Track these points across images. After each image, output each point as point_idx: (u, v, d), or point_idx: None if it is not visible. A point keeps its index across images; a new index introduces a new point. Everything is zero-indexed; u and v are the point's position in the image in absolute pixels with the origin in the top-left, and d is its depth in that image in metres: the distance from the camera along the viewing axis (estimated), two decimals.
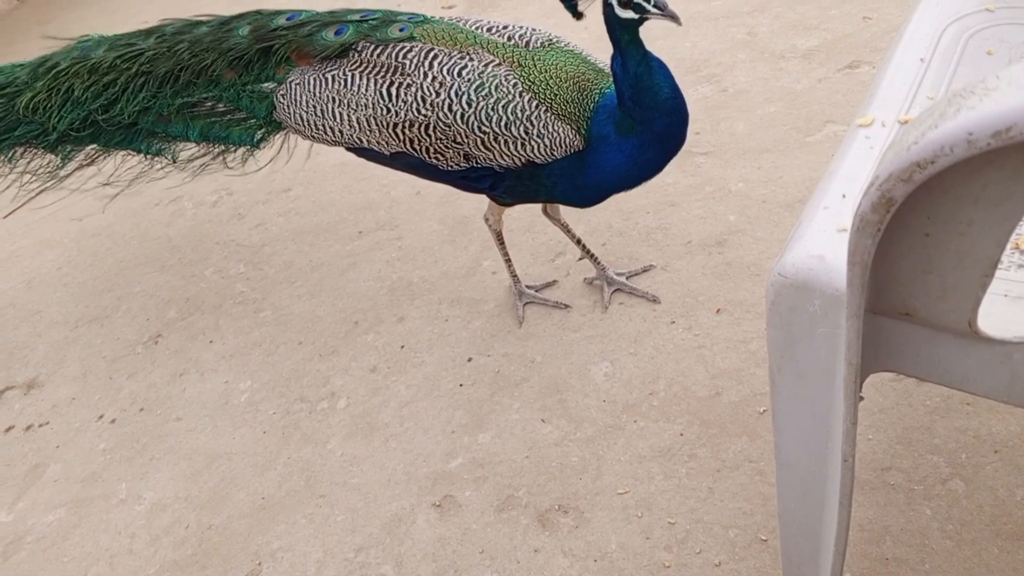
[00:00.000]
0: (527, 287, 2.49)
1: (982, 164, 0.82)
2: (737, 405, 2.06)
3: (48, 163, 2.62)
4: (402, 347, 2.52)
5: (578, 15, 1.84)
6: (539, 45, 2.01)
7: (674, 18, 1.74)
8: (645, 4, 1.74)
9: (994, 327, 1.06)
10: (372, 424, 2.30)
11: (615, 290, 2.44)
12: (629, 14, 1.76)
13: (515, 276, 2.47)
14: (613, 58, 1.84)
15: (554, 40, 2.03)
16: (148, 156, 2.53)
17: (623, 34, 1.80)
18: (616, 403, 2.15)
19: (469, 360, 2.40)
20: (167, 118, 2.39)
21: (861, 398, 1.21)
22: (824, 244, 1.21)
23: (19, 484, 2.41)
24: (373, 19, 2.15)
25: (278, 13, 2.32)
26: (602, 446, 2.06)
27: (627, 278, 2.45)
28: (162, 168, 2.56)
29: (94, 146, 2.54)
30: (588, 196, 2.05)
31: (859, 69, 3.03)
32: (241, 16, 2.36)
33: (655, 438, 2.04)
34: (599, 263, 2.45)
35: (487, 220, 2.35)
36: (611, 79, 1.95)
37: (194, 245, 3.20)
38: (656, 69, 1.84)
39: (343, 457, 2.24)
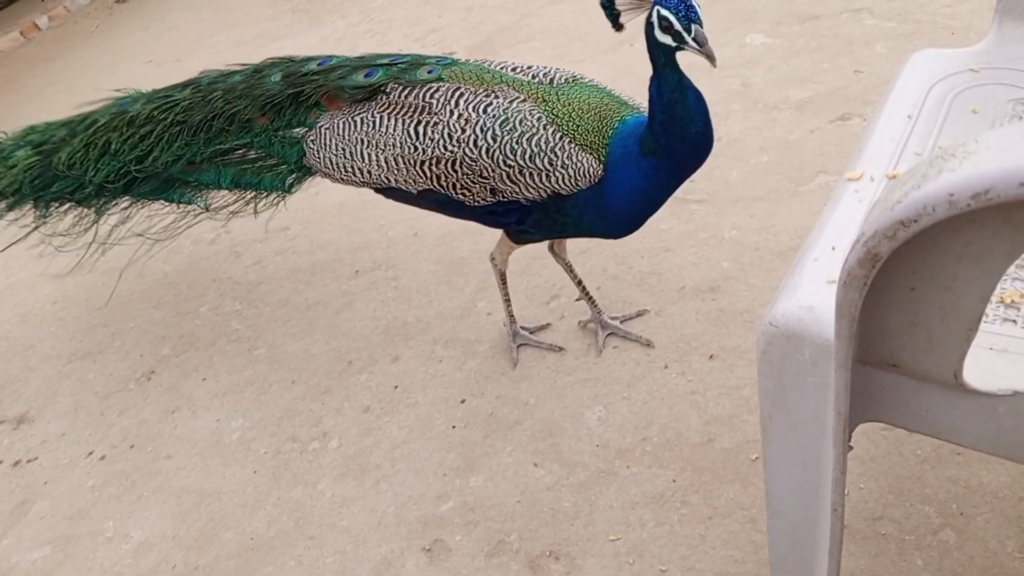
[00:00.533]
0: (522, 328, 2.50)
1: (964, 223, 0.84)
2: (730, 452, 2.06)
3: (83, 218, 2.68)
4: (396, 387, 2.52)
5: (619, 26, 1.85)
6: (563, 81, 2.04)
7: (710, 57, 1.72)
8: (684, 35, 1.72)
9: (980, 380, 1.08)
10: (363, 465, 2.30)
11: (609, 333, 2.46)
12: (667, 40, 1.76)
13: (512, 317, 2.48)
14: (651, 79, 1.85)
15: (578, 77, 2.07)
16: (180, 205, 2.58)
17: (660, 56, 1.80)
18: (609, 448, 2.15)
19: (463, 402, 2.41)
20: (199, 166, 2.45)
21: (850, 448, 1.23)
22: (814, 295, 1.24)
23: (4, 520, 2.39)
24: (402, 62, 2.21)
25: (310, 59, 2.38)
26: (595, 491, 2.05)
27: (621, 322, 2.47)
28: (196, 216, 2.61)
29: (127, 198, 2.60)
30: (616, 224, 2.04)
31: (850, 121, 3.09)
32: (274, 63, 2.43)
33: (648, 484, 2.04)
34: (595, 306, 2.47)
35: (493, 259, 2.36)
36: (633, 109, 1.99)
37: (190, 282, 3.21)
38: (692, 100, 1.83)
39: (333, 498, 2.23)
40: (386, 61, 2.22)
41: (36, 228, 2.71)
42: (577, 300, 2.57)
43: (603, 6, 1.84)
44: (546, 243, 2.40)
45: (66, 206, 2.67)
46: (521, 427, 2.28)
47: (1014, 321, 1.22)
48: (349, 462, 2.32)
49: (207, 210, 2.58)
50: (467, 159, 2.00)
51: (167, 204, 2.61)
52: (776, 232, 2.69)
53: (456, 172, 2.04)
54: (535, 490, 2.10)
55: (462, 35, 4.66)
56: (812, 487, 1.30)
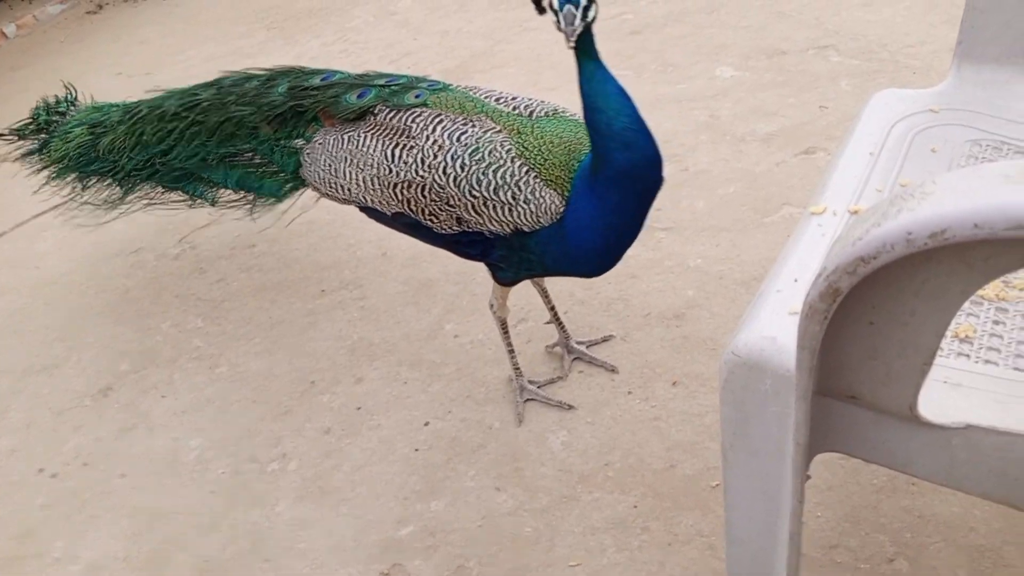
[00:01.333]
0: (529, 382, 2.41)
1: (921, 260, 0.87)
2: (691, 478, 2.08)
3: (111, 193, 2.86)
4: (358, 409, 2.50)
5: (541, 9, 1.74)
6: (543, 114, 2.02)
7: (566, 37, 1.66)
8: (556, 14, 1.65)
9: (934, 412, 1.10)
10: (323, 488, 2.27)
11: (575, 358, 2.46)
12: (553, 17, 1.68)
13: (518, 369, 2.39)
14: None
15: (559, 110, 2.05)
16: (193, 197, 2.73)
17: (579, 45, 1.71)
18: (572, 473, 2.15)
19: (426, 424, 2.39)
20: (211, 164, 2.56)
21: (808, 477, 1.24)
22: (776, 326, 1.26)
23: None
24: (396, 84, 2.23)
25: (316, 73, 2.44)
26: (556, 516, 2.05)
27: (587, 347, 2.48)
28: (201, 207, 2.79)
29: (151, 183, 2.76)
30: (583, 260, 1.97)
31: (815, 155, 3.16)
32: (286, 72, 2.50)
33: (609, 510, 2.04)
34: (564, 330, 2.47)
35: (491, 306, 2.31)
36: None
37: (152, 297, 3.16)
38: (611, 93, 1.76)
39: (291, 521, 2.19)
40: (382, 82, 2.25)
41: (72, 197, 2.92)
42: (547, 323, 2.57)
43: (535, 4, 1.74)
44: None
45: (103, 182, 2.86)
46: (485, 451, 2.27)
47: (967, 355, 1.25)
48: (308, 484, 2.29)
49: (213, 205, 2.71)
50: (436, 185, 2.00)
51: (183, 195, 2.75)
52: (741, 262, 2.73)
53: (425, 198, 2.03)
54: (496, 515, 2.09)
55: (436, 59, 4.69)
56: (771, 515, 1.31)
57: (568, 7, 1.66)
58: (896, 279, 0.93)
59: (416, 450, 2.32)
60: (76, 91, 3.12)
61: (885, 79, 3.51)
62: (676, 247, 2.85)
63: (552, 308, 2.46)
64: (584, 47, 1.74)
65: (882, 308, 0.98)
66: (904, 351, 1.01)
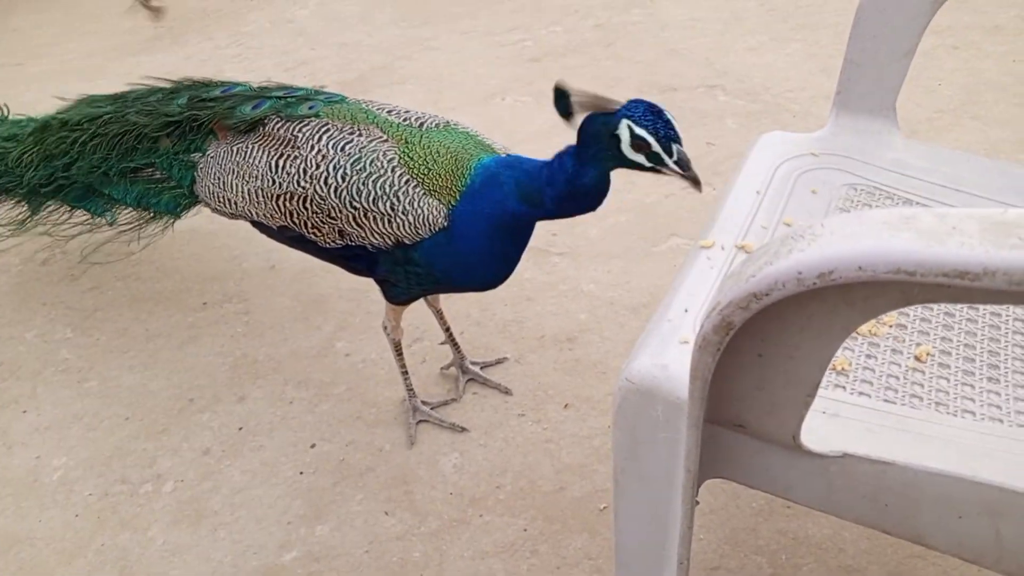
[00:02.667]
0: (423, 403, 2.37)
1: (808, 298, 0.91)
2: (579, 501, 2.10)
3: (18, 213, 2.72)
4: (240, 429, 2.40)
5: (570, 118, 1.69)
6: (433, 126, 1.98)
7: (696, 183, 1.59)
8: (664, 156, 1.59)
9: (814, 441, 1.16)
10: (200, 511, 2.16)
11: (469, 379, 2.46)
12: (639, 159, 1.62)
13: (411, 390, 2.35)
14: (572, 157, 1.72)
15: (451, 124, 2.02)
16: (94, 216, 2.59)
17: (607, 162, 1.67)
18: (463, 496, 2.14)
19: (312, 446, 2.32)
20: (113, 180, 2.44)
21: (697, 503, 1.28)
22: (667, 354, 1.30)
23: None
24: (293, 96, 2.17)
25: (217, 84, 2.35)
26: (446, 541, 2.03)
27: (481, 368, 2.48)
28: (101, 230, 2.64)
29: (56, 202, 2.62)
30: (478, 272, 1.93)
31: (704, 188, 3.29)
32: (190, 85, 2.40)
33: (499, 533, 2.04)
34: (459, 351, 2.46)
35: (384, 328, 2.26)
36: (492, 152, 1.91)
37: (16, 305, 2.94)
38: (604, 191, 1.75)
39: (165, 546, 2.07)
40: (280, 94, 2.20)
41: None
42: (441, 343, 2.56)
43: (557, 101, 1.67)
44: None
45: (10, 199, 2.71)
46: (374, 474, 2.22)
47: (844, 387, 1.33)
48: (184, 507, 2.17)
49: (111, 224, 2.58)
50: (317, 196, 1.95)
51: (86, 214, 2.61)
52: (630, 288, 2.81)
53: (307, 210, 1.98)
54: (384, 539, 2.04)
55: (334, 70, 4.62)
56: (659, 539, 1.34)
57: (679, 148, 1.60)
58: (784, 315, 0.98)
59: (301, 473, 2.24)
60: (8, 109, 2.95)
61: (768, 120, 3.72)
62: (570, 271, 2.90)
63: (447, 329, 2.45)
64: (615, 164, 1.68)
65: (770, 342, 1.02)
66: (789, 383, 1.06)
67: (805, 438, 1.14)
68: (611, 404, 1.31)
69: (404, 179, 1.87)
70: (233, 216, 2.22)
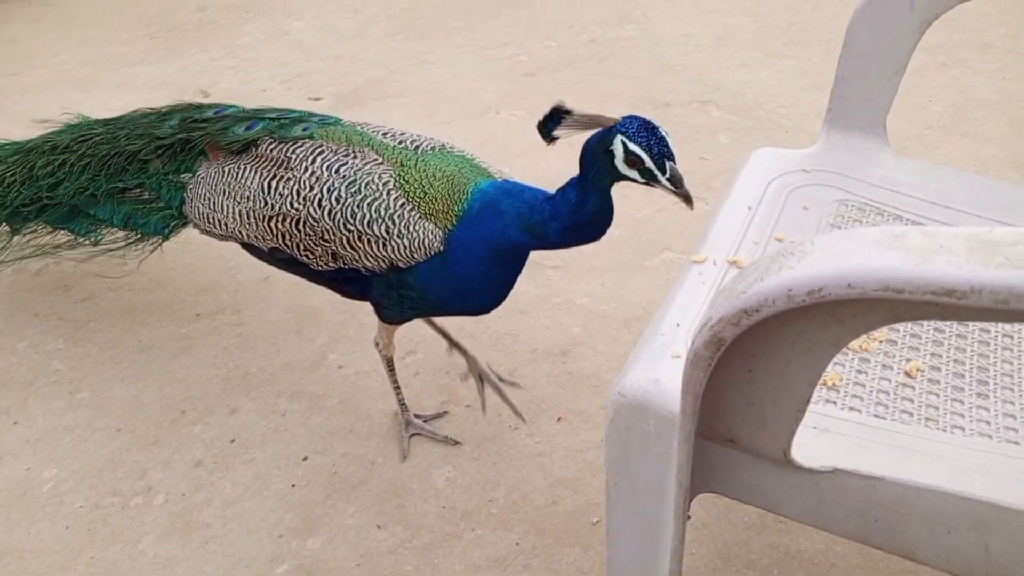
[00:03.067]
0: (415, 416, 2.36)
1: (798, 315, 0.92)
2: (572, 515, 2.10)
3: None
4: (232, 441, 2.39)
5: (551, 139, 1.71)
6: (428, 149, 1.98)
7: (687, 199, 1.60)
8: (657, 173, 1.60)
9: (804, 456, 1.17)
10: (191, 524, 2.15)
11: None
12: (633, 174, 1.63)
13: (404, 404, 2.35)
14: (575, 186, 1.72)
15: (447, 146, 2.01)
16: (77, 236, 2.56)
17: (603, 179, 1.67)
18: (456, 509, 2.13)
19: (305, 459, 2.32)
20: (100, 200, 2.43)
21: (689, 517, 1.29)
22: (659, 369, 1.31)
23: None
24: (286, 119, 2.17)
25: (210, 106, 2.35)
26: (438, 555, 2.02)
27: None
28: (84, 249, 2.60)
29: (38, 223, 2.60)
30: (473, 296, 1.92)
31: (696, 203, 3.31)
32: (182, 108, 2.40)
33: (491, 547, 2.03)
34: (466, 352, 2.43)
35: (376, 344, 2.26)
36: (489, 176, 1.91)
37: (8, 315, 2.93)
38: (609, 217, 1.74)
39: (155, 559, 2.06)
40: (273, 115, 2.20)
41: None
42: (448, 350, 2.53)
43: (546, 122, 1.69)
44: None
45: None
46: (366, 487, 2.22)
47: (835, 403, 1.34)
48: (176, 520, 2.16)
49: (95, 245, 2.56)
50: (311, 219, 1.94)
51: (70, 235, 2.59)
52: (623, 302, 2.82)
53: (300, 232, 1.97)
54: (376, 553, 2.04)
55: (329, 83, 4.64)
56: (652, 554, 1.35)
57: (672, 166, 1.60)
58: (774, 331, 0.99)
59: (293, 485, 2.24)
60: None
61: (760, 136, 3.75)
62: (564, 284, 2.91)
63: (444, 333, 2.43)
64: (612, 182, 1.68)
65: (760, 357, 1.03)
66: (779, 398, 1.07)
67: (796, 453, 1.14)
68: (604, 418, 1.32)
69: (400, 202, 1.86)
70: (223, 237, 2.21)
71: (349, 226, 1.89)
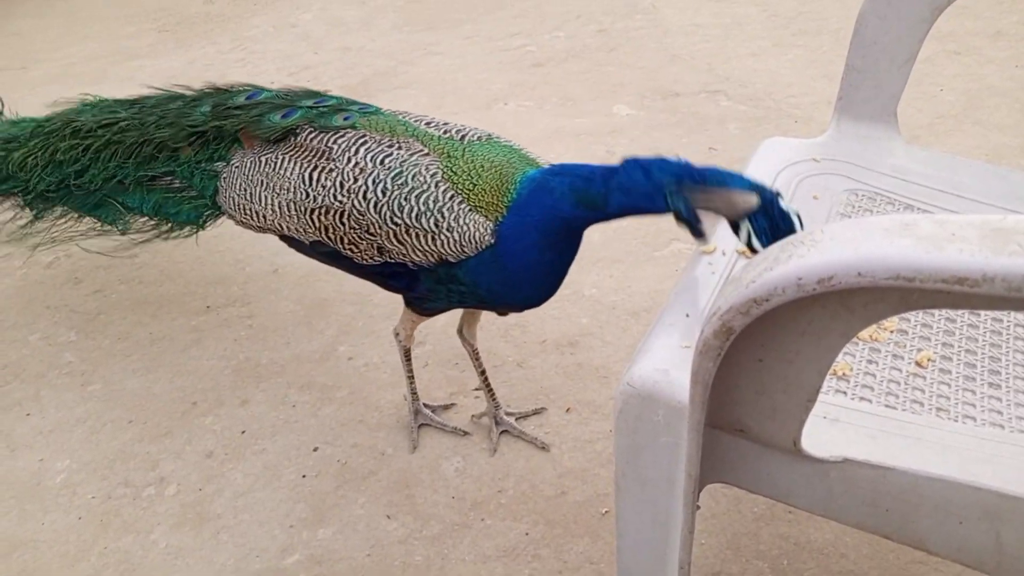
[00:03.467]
0: (424, 406, 2.35)
1: (808, 304, 0.92)
2: (581, 505, 2.11)
3: (21, 216, 2.64)
4: (243, 432, 2.41)
5: (701, 235, 1.56)
6: (475, 139, 1.90)
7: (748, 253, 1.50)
8: (749, 239, 1.47)
9: (814, 446, 1.17)
10: (203, 514, 2.16)
11: (503, 431, 2.32)
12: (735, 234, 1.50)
13: (415, 394, 2.33)
14: (643, 166, 1.63)
15: (493, 136, 1.94)
16: (105, 224, 2.51)
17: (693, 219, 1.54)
18: (465, 500, 2.14)
19: (315, 450, 2.33)
20: (127, 188, 2.37)
21: (698, 507, 1.29)
22: (668, 359, 1.30)
23: None
24: (325, 106, 2.09)
25: (241, 92, 2.26)
26: (448, 545, 2.03)
27: (516, 419, 2.35)
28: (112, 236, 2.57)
29: (63, 208, 2.55)
30: (527, 287, 1.84)
31: None
32: (210, 93, 2.32)
33: (501, 537, 2.04)
34: (495, 400, 2.34)
35: (396, 334, 2.22)
36: (538, 165, 1.84)
37: (20, 308, 2.95)
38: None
39: (167, 549, 2.08)
40: (310, 103, 2.11)
41: None
42: (475, 390, 2.48)
43: (684, 220, 1.57)
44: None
45: (12, 204, 2.64)
46: (376, 477, 2.23)
47: (844, 392, 1.33)
48: (187, 510, 2.18)
49: (123, 233, 2.50)
50: (355, 212, 1.87)
51: (96, 221, 2.53)
52: (631, 293, 2.82)
53: (344, 225, 1.90)
54: (386, 543, 2.05)
55: (337, 75, 4.64)
56: (661, 544, 1.35)
57: (790, 208, 1.47)
58: (784, 320, 0.98)
59: (303, 476, 2.25)
60: (3, 103, 2.86)
61: (770, 125, 3.73)
62: (573, 275, 2.86)
63: (483, 373, 2.33)
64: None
65: (770, 347, 1.03)
66: (789, 388, 1.07)
67: (806, 443, 1.14)
68: (613, 408, 1.32)
69: (448, 194, 1.79)
70: (261, 229, 2.13)
71: (396, 219, 1.82)
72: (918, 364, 1.39)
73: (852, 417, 1.27)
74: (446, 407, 2.41)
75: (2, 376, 2.66)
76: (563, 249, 1.80)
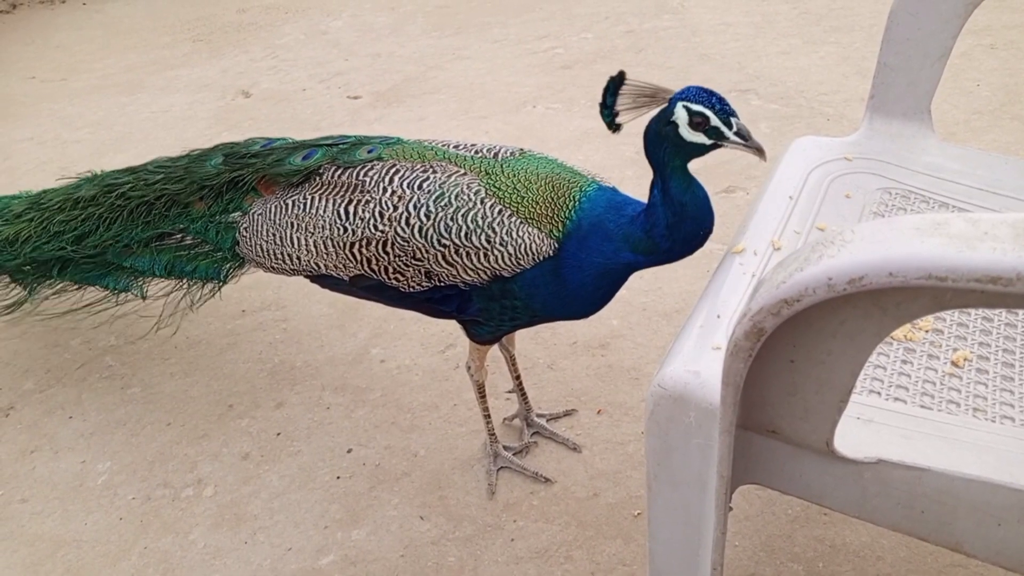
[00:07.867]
0: (504, 448, 2.27)
1: (839, 304, 0.92)
2: (613, 507, 2.11)
3: (12, 292, 2.60)
4: (278, 434, 2.44)
5: (616, 128, 1.67)
6: (508, 155, 1.89)
7: (760, 151, 1.55)
8: (724, 130, 1.55)
9: (848, 447, 1.16)
10: (240, 515, 2.20)
11: (534, 432, 2.35)
12: (699, 138, 1.58)
13: (493, 434, 2.26)
14: (654, 182, 1.68)
15: (526, 150, 1.94)
16: (115, 292, 2.45)
17: (674, 158, 1.62)
18: (497, 501, 2.15)
19: (349, 451, 2.35)
20: (134, 250, 2.33)
21: (730, 508, 1.28)
22: (699, 360, 1.30)
23: None
24: (344, 144, 2.08)
25: (254, 142, 2.26)
26: (480, 546, 2.04)
27: (548, 420, 2.38)
28: (129, 302, 2.52)
29: (62, 280, 2.49)
30: (579, 303, 1.82)
31: (735, 193, 3.28)
32: (218, 146, 2.32)
33: (533, 539, 2.05)
34: (527, 403, 2.37)
35: (468, 369, 2.18)
36: (589, 180, 1.83)
37: (62, 313, 3.02)
38: (703, 199, 1.66)
39: (206, 549, 2.12)
40: (329, 142, 2.11)
41: None
42: (508, 392, 2.49)
43: (602, 108, 1.66)
44: None
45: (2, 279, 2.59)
46: (409, 479, 2.25)
47: (879, 393, 1.32)
48: (224, 511, 2.22)
49: (143, 298, 2.45)
50: (399, 239, 1.83)
51: (103, 290, 2.48)
52: (662, 294, 2.81)
53: (388, 254, 1.87)
54: (420, 544, 2.07)
55: (367, 81, 4.68)
56: (693, 545, 1.35)
57: (738, 121, 1.56)
58: (815, 321, 0.98)
59: (338, 477, 2.28)
60: None
61: (802, 124, 3.69)
62: None
63: (518, 377, 2.34)
64: (684, 158, 1.63)
65: (802, 347, 1.03)
66: (821, 388, 1.06)
67: (839, 444, 1.13)
68: (644, 410, 1.32)
69: (496, 209, 1.76)
70: (294, 272, 2.06)
71: (444, 240, 1.79)
72: (954, 364, 1.38)
73: (886, 418, 1.26)
74: (527, 447, 2.31)
75: (45, 380, 2.73)
76: (622, 279, 1.81)
